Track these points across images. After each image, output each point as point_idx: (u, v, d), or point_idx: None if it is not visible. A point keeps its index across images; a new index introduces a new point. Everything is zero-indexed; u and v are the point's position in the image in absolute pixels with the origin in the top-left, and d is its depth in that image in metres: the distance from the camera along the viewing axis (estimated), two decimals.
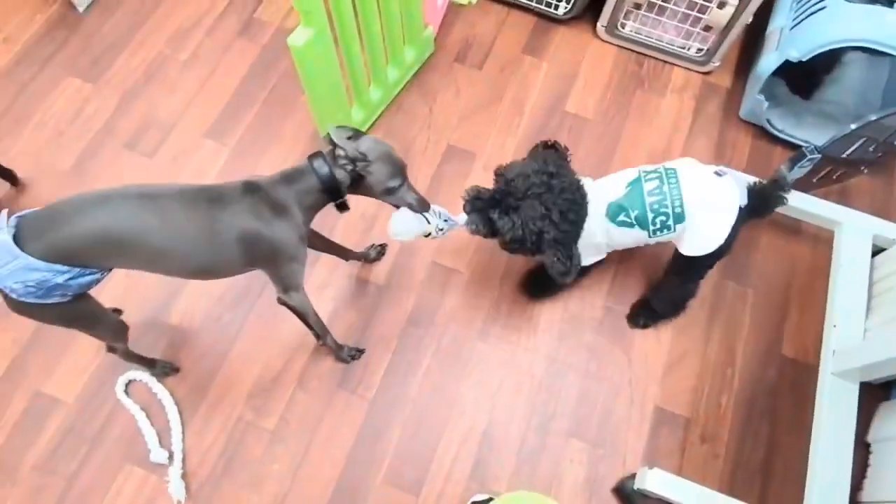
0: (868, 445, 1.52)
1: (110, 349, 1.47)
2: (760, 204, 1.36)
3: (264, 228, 1.16)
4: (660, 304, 1.62)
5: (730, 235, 1.32)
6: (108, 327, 1.34)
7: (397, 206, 1.28)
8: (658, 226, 1.32)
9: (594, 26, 2.05)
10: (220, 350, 1.61)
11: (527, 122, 1.93)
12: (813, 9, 1.66)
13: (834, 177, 1.73)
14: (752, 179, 1.43)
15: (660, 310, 1.63)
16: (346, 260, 1.67)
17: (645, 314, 1.65)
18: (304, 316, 1.36)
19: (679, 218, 1.31)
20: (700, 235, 1.33)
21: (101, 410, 1.54)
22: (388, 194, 1.24)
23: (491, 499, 1.46)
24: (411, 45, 1.90)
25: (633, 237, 1.36)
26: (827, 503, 1.36)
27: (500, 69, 2.02)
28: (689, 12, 1.86)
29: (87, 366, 1.58)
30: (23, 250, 1.03)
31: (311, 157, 1.19)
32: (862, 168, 1.72)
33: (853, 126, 1.55)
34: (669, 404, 1.59)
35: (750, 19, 1.79)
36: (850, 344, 1.51)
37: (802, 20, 1.68)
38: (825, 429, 1.43)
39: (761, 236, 1.80)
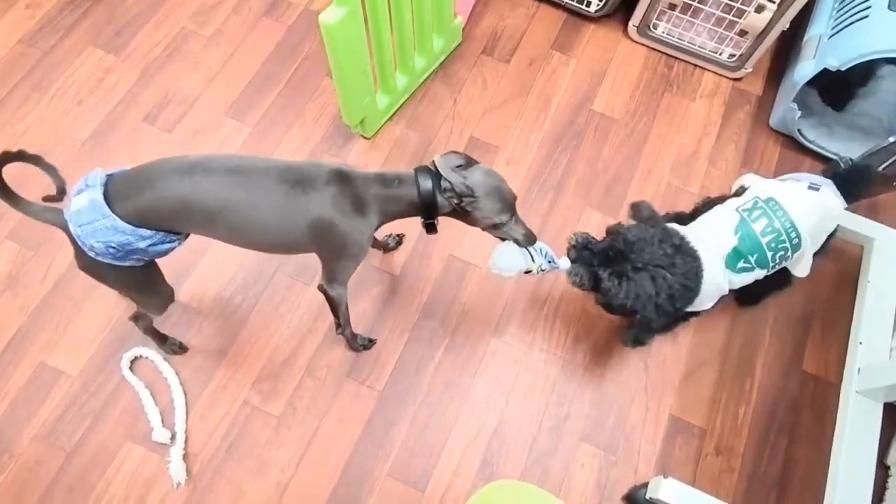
0: (887, 468, 1.48)
1: (135, 318, 1.44)
2: (856, 190, 1.37)
3: (341, 221, 1.13)
4: (765, 289, 1.54)
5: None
6: (162, 297, 1.33)
7: (502, 239, 1.23)
8: (777, 261, 1.30)
9: (625, 25, 2.02)
10: (229, 332, 1.58)
11: (553, 118, 1.90)
12: (855, 17, 1.62)
13: None
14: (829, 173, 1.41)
15: (767, 292, 1.58)
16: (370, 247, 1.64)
17: (754, 295, 1.60)
18: (338, 308, 1.36)
19: (797, 248, 1.29)
20: (811, 256, 1.34)
21: (105, 386, 1.51)
22: (493, 229, 1.20)
23: None
24: (440, 34, 1.87)
25: (754, 278, 1.33)
26: None
27: (528, 63, 1.98)
28: (725, 16, 1.83)
29: (93, 339, 1.55)
30: (112, 209, 1.04)
31: (419, 169, 1.16)
32: (894, 183, 1.68)
33: (891, 139, 1.52)
34: (685, 413, 1.55)
35: (787, 25, 1.75)
36: (876, 362, 1.47)
37: (843, 28, 1.64)
38: (846, 447, 1.39)
39: None
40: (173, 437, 1.46)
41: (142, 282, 1.23)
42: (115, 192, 1.06)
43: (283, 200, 1.10)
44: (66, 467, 1.43)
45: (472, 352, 1.59)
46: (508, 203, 1.17)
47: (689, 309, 1.35)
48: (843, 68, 1.60)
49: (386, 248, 1.67)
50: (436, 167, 1.14)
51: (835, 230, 1.35)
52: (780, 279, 1.52)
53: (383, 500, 1.43)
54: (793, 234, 1.26)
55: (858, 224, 1.66)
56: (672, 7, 1.90)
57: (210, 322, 1.59)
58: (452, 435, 1.50)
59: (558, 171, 1.82)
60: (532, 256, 1.23)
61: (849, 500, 1.35)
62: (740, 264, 1.28)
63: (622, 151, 1.86)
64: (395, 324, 1.61)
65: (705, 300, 1.32)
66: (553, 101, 1.93)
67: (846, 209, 1.38)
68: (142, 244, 1.08)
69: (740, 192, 1.42)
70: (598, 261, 1.21)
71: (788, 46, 1.97)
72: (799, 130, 1.84)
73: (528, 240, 1.22)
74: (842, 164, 1.57)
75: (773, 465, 1.51)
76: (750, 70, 1.94)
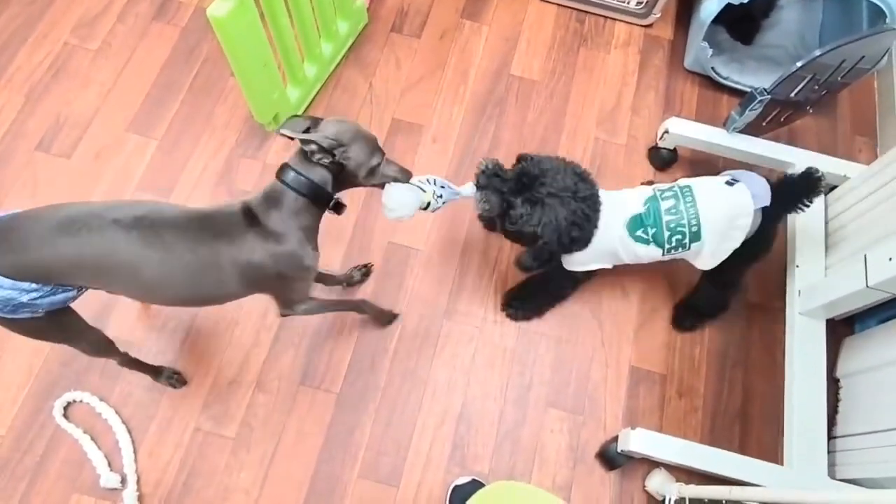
0: (837, 381, 1.53)
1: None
2: (791, 199, 1.30)
3: (269, 260, 1.05)
4: (704, 307, 1.58)
5: (763, 235, 1.31)
6: (88, 342, 1.21)
7: (382, 186, 1.16)
8: (674, 244, 1.29)
9: None
10: (167, 359, 1.48)
11: (473, 88, 1.86)
12: None
13: (782, 119, 1.73)
14: (772, 178, 1.32)
15: (706, 311, 1.59)
16: (327, 285, 1.54)
17: (691, 316, 1.59)
18: (316, 313, 1.32)
19: (696, 237, 1.27)
20: (715, 250, 1.30)
21: (40, 440, 1.40)
22: (371, 175, 1.11)
23: (474, 480, 1.40)
24: (343, 17, 1.79)
25: (647, 253, 1.31)
26: (807, 441, 1.36)
27: (440, 36, 1.93)
28: None
29: (17, 393, 1.42)
30: None
31: (280, 171, 1.06)
32: (808, 108, 1.72)
33: (798, 64, 1.54)
34: (644, 362, 1.56)
35: None
36: (814, 282, 1.51)
37: None
38: (798, 368, 1.43)
39: None
40: (124, 481, 1.37)
41: (54, 330, 1.10)
42: None
43: (207, 253, 1.01)
44: None
45: (425, 337, 1.55)
46: (374, 142, 1.10)
47: (580, 266, 1.34)
48: (745, 1, 1.61)
49: (350, 281, 1.56)
50: (292, 162, 1.06)
51: (761, 233, 1.30)
52: (716, 298, 1.54)
53: (358, 502, 1.39)
54: (693, 223, 1.26)
55: (779, 151, 1.69)
56: None
57: (144, 353, 1.48)
58: (418, 425, 1.47)
59: (486, 141, 1.79)
60: (422, 188, 1.19)
61: (806, 417, 1.39)
62: (639, 232, 1.28)
63: (546, 113, 1.84)
64: (344, 321, 1.55)
65: (598, 255, 1.32)
66: (470, 71, 1.89)
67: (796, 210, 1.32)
68: (26, 298, 0.96)
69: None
70: (509, 188, 1.20)
71: None
72: (713, 68, 1.87)
73: (406, 174, 1.17)
74: (757, 96, 1.60)
75: (733, 398, 1.54)
76: (658, 15, 1.95)
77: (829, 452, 1.38)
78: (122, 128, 1.72)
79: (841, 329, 1.57)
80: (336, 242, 1.63)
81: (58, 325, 1.09)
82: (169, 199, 1.65)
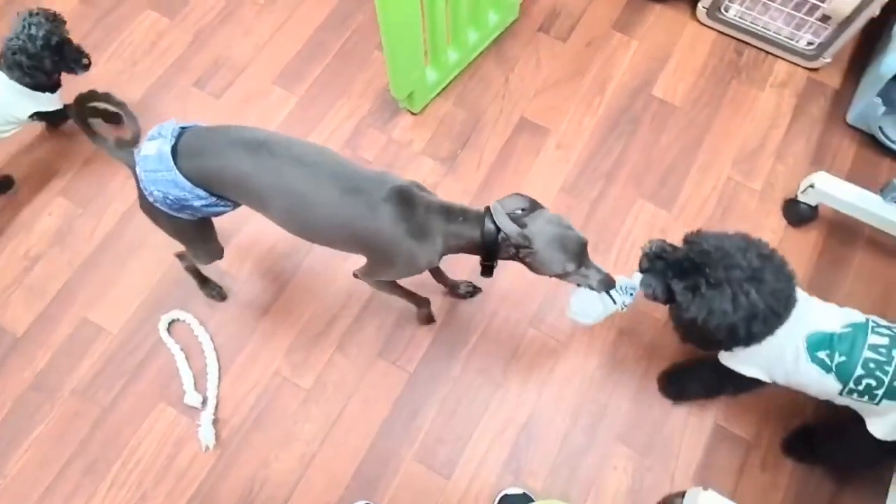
0: None
1: (181, 256, 1.46)
2: None
3: (392, 240, 1.09)
4: (834, 455, 1.32)
5: None
6: (209, 253, 1.35)
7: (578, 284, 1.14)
8: (860, 388, 1.08)
9: (694, 7, 1.89)
10: (264, 300, 1.57)
11: (608, 101, 1.81)
12: None
13: None
14: None
15: (830, 463, 1.36)
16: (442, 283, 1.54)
17: (804, 449, 1.38)
18: (380, 290, 1.39)
19: (893, 394, 1.06)
20: None
21: (143, 345, 1.53)
22: (560, 278, 1.11)
23: (525, 494, 1.38)
24: (496, 9, 1.79)
25: (819, 383, 1.11)
26: None
27: (586, 43, 1.89)
28: None
29: (134, 299, 1.57)
30: (176, 164, 1.06)
31: (489, 208, 1.08)
32: None
33: None
34: (731, 423, 1.46)
35: (877, 12, 1.60)
36: None
37: None
38: None
39: (854, 255, 1.63)
40: (204, 402, 1.47)
41: (193, 234, 1.25)
42: (185, 147, 1.08)
43: (337, 204, 1.07)
44: (101, 421, 1.46)
45: (508, 339, 1.54)
46: (574, 252, 1.07)
47: (734, 364, 1.19)
48: None
49: (454, 289, 1.54)
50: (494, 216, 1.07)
51: None
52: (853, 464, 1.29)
53: (408, 482, 1.41)
54: None
55: None
56: None
57: (247, 290, 1.58)
58: (481, 424, 1.46)
59: (611, 158, 1.73)
60: (613, 299, 1.15)
61: None
62: (821, 353, 1.08)
63: (681, 141, 1.76)
64: (433, 306, 1.57)
65: (757, 360, 1.14)
66: (610, 84, 1.83)
67: None
68: (196, 203, 1.10)
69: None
70: (673, 272, 1.07)
71: (875, 35, 1.80)
72: (880, 128, 1.70)
73: (604, 285, 1.12)
74: None
75: (825, 484, 1.41)
76: (829, 60, 1.80)
77: None
78: (269, 79, 1.83)
79: None
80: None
81: (200, 230, 1.25)
82: None
